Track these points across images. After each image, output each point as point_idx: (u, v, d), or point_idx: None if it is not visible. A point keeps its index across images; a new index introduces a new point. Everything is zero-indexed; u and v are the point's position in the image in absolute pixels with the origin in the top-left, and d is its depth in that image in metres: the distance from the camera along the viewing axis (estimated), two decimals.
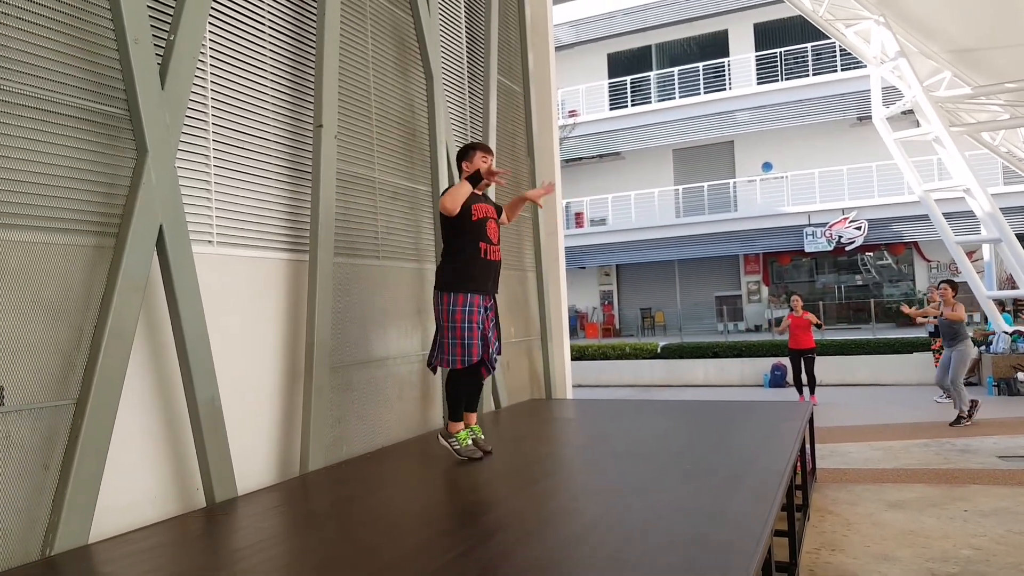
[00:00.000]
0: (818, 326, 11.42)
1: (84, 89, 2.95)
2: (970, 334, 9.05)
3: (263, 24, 4.05)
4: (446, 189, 4.19)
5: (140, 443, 3.16)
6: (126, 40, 3.03)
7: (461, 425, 4.16)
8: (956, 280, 9.72)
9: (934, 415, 9.43)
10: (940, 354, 10.88)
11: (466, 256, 3.98)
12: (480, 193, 4.11)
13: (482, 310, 4.00)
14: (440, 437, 4.19)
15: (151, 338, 3.24)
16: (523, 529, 2.87)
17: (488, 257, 4.02)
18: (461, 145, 6.08)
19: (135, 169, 3.10)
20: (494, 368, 4.21)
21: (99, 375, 2.85)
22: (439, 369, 4.28)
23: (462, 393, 4.12)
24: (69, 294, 2.85)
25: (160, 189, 3.14)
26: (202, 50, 3.56)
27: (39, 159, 2.79)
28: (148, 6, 3.17)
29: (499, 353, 4.24)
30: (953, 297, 8.85)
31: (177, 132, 3.28)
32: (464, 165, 4.16)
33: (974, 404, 8.92)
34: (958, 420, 8.85)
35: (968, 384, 13.09)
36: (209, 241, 3.61)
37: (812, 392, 11.08)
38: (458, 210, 3.87)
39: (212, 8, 3.62)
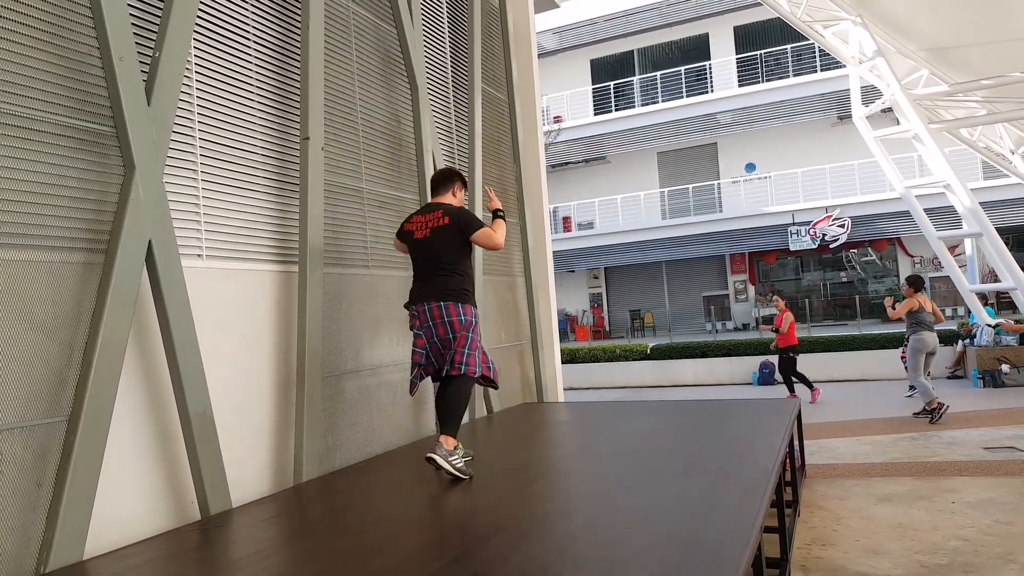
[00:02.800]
0: (775, 330, 11.41)
1: (70, 107, 2.97)
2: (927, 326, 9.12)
3: (248, 38, 4.07)
4: (475, 219, 4.10)
5: (133, 458, 3.17)
6: (111, 58, 3.05)
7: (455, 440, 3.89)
8: (921, 274, 9.94)
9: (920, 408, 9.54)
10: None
11: (473, 279, 4.15)
12: None
13: None
14: (437, 458, 3.69)
15: (142, 353, 3.25)
16: (517, 531, 2.90)
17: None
18: (446, 153, 6.15)
19: (123, 185, 3.12)
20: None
21: (91, 391, 2.86)
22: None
23: (466, 404, 4.03)
24: (59, 311, 2.86)
25: (148, 205, 3.16)
26: (187, 66, 3.58)
27: (26, 177, 2.80)
28: (132, 23, 3.19)
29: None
30: (915, 293, 9.02)
31: (164, 148, 3.30)
32: (455, 189, 4.23)
33: (940, 407, 8.88)
34: (923, 411, 8.94)
35: (954, 377, 13.31)
36: (198, 255, 3.63)
37: (791, 391, 11.21)
38: None
39: (196, 24, 3.65)
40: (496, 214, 4.32)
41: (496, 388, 4.33)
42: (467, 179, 4.35)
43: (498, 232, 4.12)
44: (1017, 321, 8.51)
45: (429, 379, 4.29)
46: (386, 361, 4.93)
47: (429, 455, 3.72)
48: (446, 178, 4.26)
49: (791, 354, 11.28)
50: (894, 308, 9.02)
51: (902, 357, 11.50)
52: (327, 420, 4.27)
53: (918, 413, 9.07)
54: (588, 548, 2.65)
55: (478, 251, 6.12)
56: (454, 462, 3.75)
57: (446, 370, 3.97)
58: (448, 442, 3.79)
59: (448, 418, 3.88)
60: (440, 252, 4.00)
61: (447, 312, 3.94)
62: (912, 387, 11.03)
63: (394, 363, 5.01)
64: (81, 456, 2.80)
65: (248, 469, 3.77)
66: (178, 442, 3.33)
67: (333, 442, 4.32)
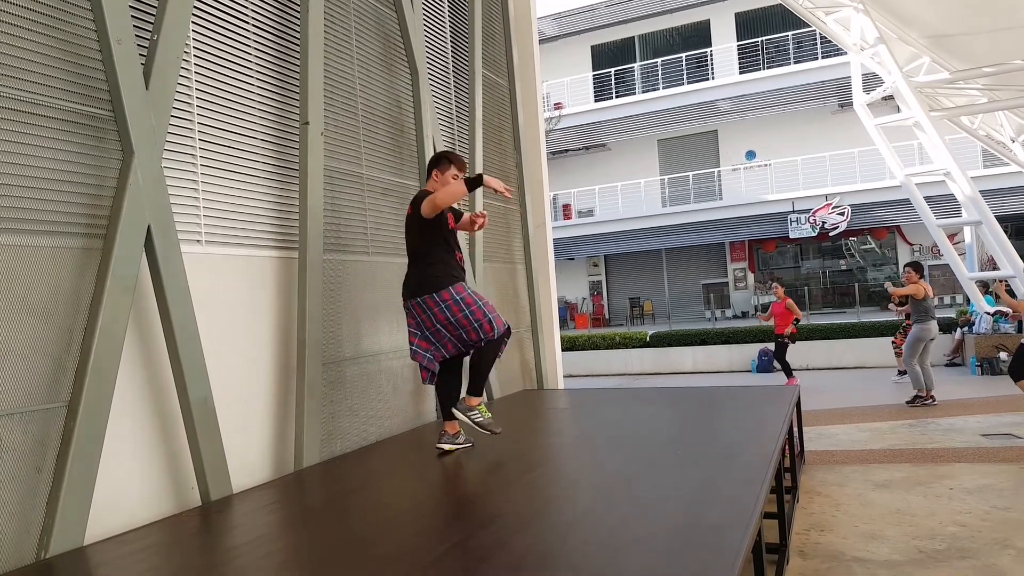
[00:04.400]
0: (796, 321, 11.51)
1: (68, 91, 2.94)
2: (935, 315, 9.22)
3: (247, 22, 4.04)
4: (422, 195, 3.92)
5: (134, 443, 3.17)
6: (109, 41, 3.02)
7: (479, 399, 4.10)
8: (921, 262, 10.03)
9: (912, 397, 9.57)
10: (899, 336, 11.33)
11: (444, 262, 3.96)
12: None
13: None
14: (456, 411, 4.05)
15: (142, 339, 3.24)
16: (517, 518, 2.91)
17: (461, 265, 4.05)
18: (447, 139, 6.12)
19: (121, 170, 3.10)
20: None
21: (90, 377, 2.85)
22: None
23: (493, 363, 4.12)
24: (58, 296, 2.85)
25: (147, 190, 3.14)
26: (186, 49, 3.55)
27: (24, 162, 2.78)
28: (130, 6, 3.16)
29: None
30: (919, 279, 9.11)
31: (163, 132, 3.27)
32: (435, 174, 4.02)
33: (928, 397, 9.00)
34: (914, 399, 9.03)
35: (952, 364, 13.34)
36: (198, 240, 3.61)
37: (789, 376, 11.26)
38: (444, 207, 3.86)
39: (195, 7, 3.61)
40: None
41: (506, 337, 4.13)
42: (457, 158, 4.07)
43: (439, 193, 3.80)
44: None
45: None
46: (386, 348, 4.93)
47: (454, 407, 4.08)
48: (429, 166, 4.15)
49: (785, 339, 11.34)
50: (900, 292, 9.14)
51: (895, 343, 11.53)
52: (327, 406, 4.27)
53: (911, 401, 9.10)
54: (588, 534, 2.66)
55: (477, 236, 6.09)
56: (473, 416, 4.05)
57: (470, 347, 4.05)
58: (471, 400, 4.07)
59: (472, 379, 4.11)
60: (409, 241, 4.01)
61: (426, 306, 3.94)
62: (901, 372, 11.16)
63: (394, 350, 5.01)
64: (81, 442, 2.80)
65: (249, 455, 3.77)
66: (179, 428, 3.33)
67: (333, 428, 4.32)
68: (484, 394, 4.23)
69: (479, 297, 4.00)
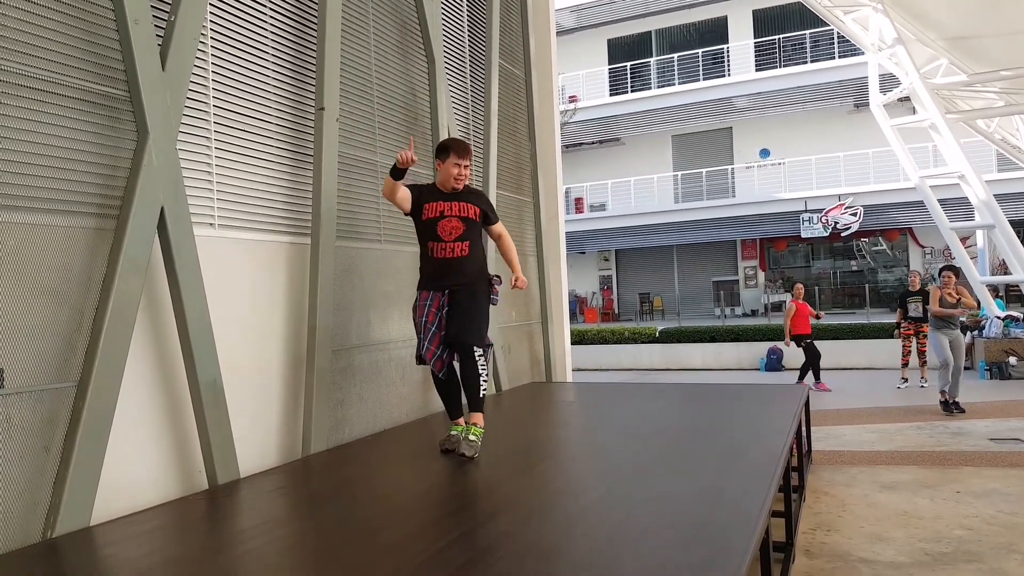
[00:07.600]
0: (816, 317, 11.57)
1: (84, 70, 2.93)
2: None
3: (265, 6, 4.02)
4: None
5: (142, 425, 3.18)
6: (126, 21, 3.01)
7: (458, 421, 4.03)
8: (928, 267, 9.91)
9: (928, 399, 9.52)
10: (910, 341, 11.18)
11: (422, 254, 3.96)
12: (448, 190, 3.86)
13: (427, 306, 3.89)
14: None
15: (153, 320, 3.24)
16: (523, 510, 2.90)
17: (437, 255, 3.86)
18: (462, 128, 6.09)
19: (136, 151, 3.09)
20: (433, 363, 3.93)
21: (100, 357, 2.85)
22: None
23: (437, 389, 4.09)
24: (70, 276, 2.85)
25: (161, 171, 3.13)
26: (203, 31, 3.54)
27: (39, 140, 2.78)
28: None
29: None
30: (955, 284, 9.00)
31: (178, 114, 3.27)
32: (437, 164, 3.93)
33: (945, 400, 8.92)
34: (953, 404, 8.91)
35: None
36: (211, 224, 3.60)
37: (801, 378, 11.16)
38: (391, 199, 3.83)
39: None
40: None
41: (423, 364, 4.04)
42: (457, 146, 3.94)
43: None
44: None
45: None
46: (396, 337, 4.92)
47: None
48: (435, 155, 4.04)
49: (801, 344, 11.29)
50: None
51: (921, 351, 11.24)
52: (336, 393, 4.27)
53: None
54: (594, 528, 2.65)
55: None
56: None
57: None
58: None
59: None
60: None
61: None
62: (905, 379, 11.13)
63: (403, 339, 5.00)
64: (90, 422, 2.80)
65: (257, 440, 3.78)
66: (187, 411, 3.33)
67: (342, 415, 4.33)
68: (475, 412, 3.85)
69: (416, 319, 3.93)
